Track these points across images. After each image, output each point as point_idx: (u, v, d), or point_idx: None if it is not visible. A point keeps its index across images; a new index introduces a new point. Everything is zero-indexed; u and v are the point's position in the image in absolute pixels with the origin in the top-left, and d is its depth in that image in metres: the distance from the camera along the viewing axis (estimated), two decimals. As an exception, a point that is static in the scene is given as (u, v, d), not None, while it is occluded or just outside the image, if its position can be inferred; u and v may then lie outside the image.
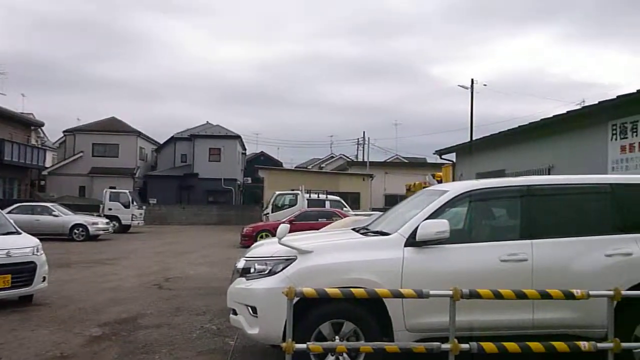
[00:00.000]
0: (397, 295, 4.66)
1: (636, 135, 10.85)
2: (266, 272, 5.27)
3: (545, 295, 4.69)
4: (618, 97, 11.14)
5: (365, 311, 5.05)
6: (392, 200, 31.76)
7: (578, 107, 14.19)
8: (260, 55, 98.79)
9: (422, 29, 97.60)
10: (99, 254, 17.81)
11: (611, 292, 4.74)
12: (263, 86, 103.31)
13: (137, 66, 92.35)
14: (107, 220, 25.74)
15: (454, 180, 20.94)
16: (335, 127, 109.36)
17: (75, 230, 23.21)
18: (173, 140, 49.87)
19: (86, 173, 42.62)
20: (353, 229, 6.56)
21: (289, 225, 5.40)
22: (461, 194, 5.70)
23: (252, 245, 6.76)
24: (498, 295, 4.61)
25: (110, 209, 29.30)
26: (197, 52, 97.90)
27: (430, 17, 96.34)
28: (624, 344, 4.79)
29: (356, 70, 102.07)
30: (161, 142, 51.75)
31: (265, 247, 5.88)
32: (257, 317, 5.19)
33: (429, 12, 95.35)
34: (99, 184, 40.02)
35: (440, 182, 23.15)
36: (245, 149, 55.28)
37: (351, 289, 4.65)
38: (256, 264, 5.42)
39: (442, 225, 5.16)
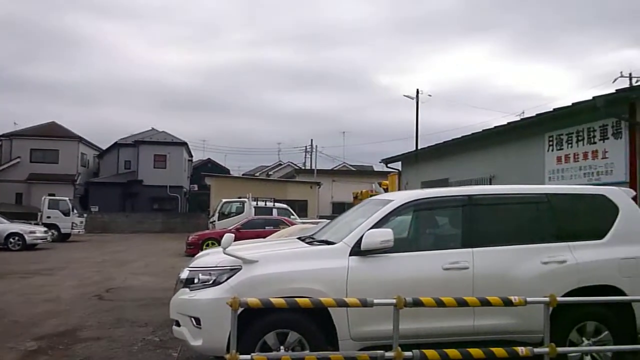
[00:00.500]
0: (342, 304, 4.69)
1: (570, 147, 11.32)
2: (210, 282, 5.21)
3: (485, 302, 4.83)
4: (554, 109, 11.59)
5: (310, 321, 5.05)
6: (339, 208, 31.92)
7: (518, 118, 14.68)
8: (207, 61, 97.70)
9: (369, 40, 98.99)
10: (37, 264, 17.12)
11: (547, 299, 4.92)
12: (210, 93, 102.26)
13: (78, 70, 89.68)
14: (46, 229, 24.85)
15: (399, 188, 21.24)
16: (284, 135, 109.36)
17: (11, 239, 22.28)
18: (116, 146, 48.61)
19: (24, 179, 40.93)
20: (299, 238, 6.57)
21: (233, 235, 5.36)
22: (405, 203, 5.80)
23: (197, 255, 6.67)
24: (440, 303, 4.71)
25: (49, 217, 28.29)
26: (142, 58, 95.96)
27: (377, 28, 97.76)
28: (560, 349, 4.97)
29: (304, 79, 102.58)
30: (104, 148, 50.39)
31: (210, 257, 5.81)
32: (200, 328, 5.12)
33: (375, 23, 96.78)
34: (37, 191, 38.40)
35: (386, 190, 23.40)
36: (191, 156, 54.48)
37: (296, 298, 4.66)
38: (200, 274, 5.35)
39: (386, 235, 5.23)
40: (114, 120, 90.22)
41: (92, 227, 34.94)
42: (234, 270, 5.15)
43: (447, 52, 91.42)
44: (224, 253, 5.17)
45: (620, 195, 6.15)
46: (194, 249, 18.14)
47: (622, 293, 5.60)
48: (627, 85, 26.10)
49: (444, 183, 16.29)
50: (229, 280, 5.11)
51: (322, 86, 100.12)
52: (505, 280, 5.46)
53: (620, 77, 29.81)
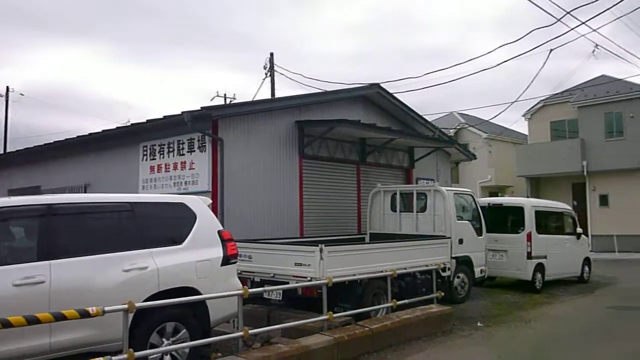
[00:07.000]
0: None
1: (163, 157, 11.92)
2: None
3: (60, 317, 4.66)
4: (147, 121, 12.00)
5: None
6: None
7: (115, 126, 14.64)
8: None
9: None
10: None
11: (125, 306, 5.03)
12: None
13: None
14: None
15: (-18, 197, 18.78)
16: None
17: None
18: None
19: None
20: None
21: None
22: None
23: None
24: (7, 324, 4.33)
25: None
26: None
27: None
28: (138, 353, 5.12)
29: None
30: None
31: None
32: None
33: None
34: None
35: (-35, 199, 20.35)
36: None
37: None
38: None
39: None
40: None
41: None
42: None
43: (47, 50, 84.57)
44: None
45: (199, 204, 6.75)
46: None
47: (198, 293, 6.12)
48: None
49: (35, 191, 15.11)
50: None
51: None
52: (87, 291, 5.38)
53: (217, 95, 32.43)
